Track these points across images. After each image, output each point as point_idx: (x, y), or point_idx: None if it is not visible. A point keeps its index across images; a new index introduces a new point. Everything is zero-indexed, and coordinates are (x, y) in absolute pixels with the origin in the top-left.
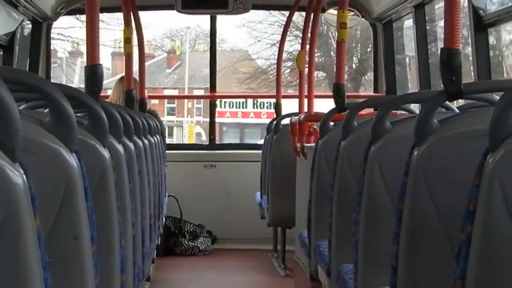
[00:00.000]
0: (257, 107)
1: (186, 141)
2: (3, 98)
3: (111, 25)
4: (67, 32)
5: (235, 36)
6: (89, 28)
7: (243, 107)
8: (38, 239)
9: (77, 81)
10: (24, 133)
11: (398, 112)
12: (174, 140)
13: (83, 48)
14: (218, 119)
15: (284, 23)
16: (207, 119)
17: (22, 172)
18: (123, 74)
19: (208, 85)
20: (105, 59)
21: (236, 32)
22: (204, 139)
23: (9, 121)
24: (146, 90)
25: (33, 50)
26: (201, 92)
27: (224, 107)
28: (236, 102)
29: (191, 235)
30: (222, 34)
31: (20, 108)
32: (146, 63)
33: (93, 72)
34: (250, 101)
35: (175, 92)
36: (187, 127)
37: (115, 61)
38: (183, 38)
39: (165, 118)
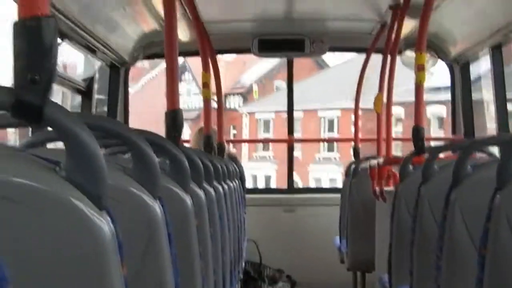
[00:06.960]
0: None
1: None
2: (90, 147)
3: None
4: None
5: None
6: (168, 73)
7: None
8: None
9: None
10: (108, 180)
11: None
12: None
13: None
14: None
15: None
16: None
17: (109, 220)
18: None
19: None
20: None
21: None
22: None
23: (96, 169)
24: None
25: (111, 94)
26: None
27: None
28: None
29: (270, 279)
30: None
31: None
32: None
33: (173, 118)
34: None
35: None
36: None
37: None
38: None
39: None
